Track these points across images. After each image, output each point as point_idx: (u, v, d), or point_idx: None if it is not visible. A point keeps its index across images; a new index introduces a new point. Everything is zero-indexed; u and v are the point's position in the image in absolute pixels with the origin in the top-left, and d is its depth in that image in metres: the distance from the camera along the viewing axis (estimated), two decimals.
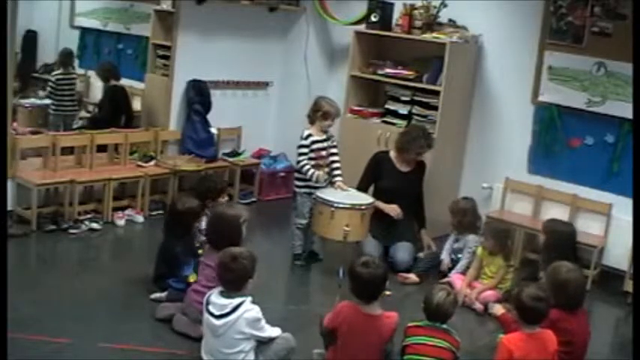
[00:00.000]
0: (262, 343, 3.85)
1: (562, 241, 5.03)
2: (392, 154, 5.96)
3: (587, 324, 4.19)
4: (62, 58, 7.33)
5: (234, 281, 3.83)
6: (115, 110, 7.06)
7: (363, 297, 3.73)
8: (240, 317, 3.75)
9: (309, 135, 5.58)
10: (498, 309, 4.36)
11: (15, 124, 6.16)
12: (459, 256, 5.67)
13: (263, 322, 3.83)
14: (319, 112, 5.58)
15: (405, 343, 3.81)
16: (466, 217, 5.71)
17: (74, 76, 7.36)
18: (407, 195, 5.89)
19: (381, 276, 3.75)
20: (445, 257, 5.76)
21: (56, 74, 7.24)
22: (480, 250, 5.39)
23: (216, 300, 3.83)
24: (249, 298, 3.82)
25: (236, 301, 3.78)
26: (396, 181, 5.86)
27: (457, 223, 5.73)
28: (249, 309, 3.78)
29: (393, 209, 5.79)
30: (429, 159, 6.08)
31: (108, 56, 7.53)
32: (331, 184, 5.68)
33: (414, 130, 6.00)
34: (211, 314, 3.81)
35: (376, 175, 5.91)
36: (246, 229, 4.48)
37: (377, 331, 3.72)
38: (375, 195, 5.80)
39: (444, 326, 3.82)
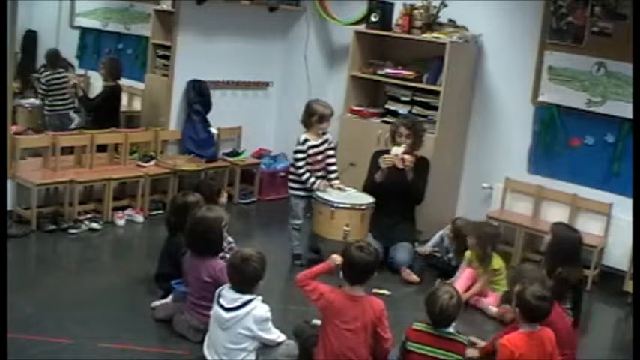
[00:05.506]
0: (266, 346, 3.88)
1: (567, 246, 4.98)
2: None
3: (562, 311, 4.19)
4: (49, 59, 7.26)
5: (244, 283, 3.88)
6: (111, 109, 7.03)
7: (349, 278, 3.87)
8: (248, 313, 3.81)
9: (306, 140, 5.54)
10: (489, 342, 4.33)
11: (15, 128, 6.16)
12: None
13: (270, 323, 3.88)
14: (314, 117, 5.52)
15: (406, 347, 3.78)
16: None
17: (64, 74, 7.27)
18: (403, 192, 5.75)
19: (372, 262, 3.87)
20: (427, 246, 5.81)
21: (46, 75, 7.18)
22: (468, 254, 5.34)
23: (228, 293, 3.88)
24: (260, 297, 3.88)
25: (247, 296, 3.84)
26: (390, 178, 5.72)
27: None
28: (259, 307, 3.83)
29: (401, 160, 5.61)
30: (429, 158, 6.07)
31: (108, 56, 7.52)
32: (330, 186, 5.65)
33: (396, 120, 6.03)
34: (221, 306, 3.86)
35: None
36: (226, 232, 4.51)
37: (360, 311, 3.81)
38: (372, 192, 5.72)
39: (450, 330, 3.75)
